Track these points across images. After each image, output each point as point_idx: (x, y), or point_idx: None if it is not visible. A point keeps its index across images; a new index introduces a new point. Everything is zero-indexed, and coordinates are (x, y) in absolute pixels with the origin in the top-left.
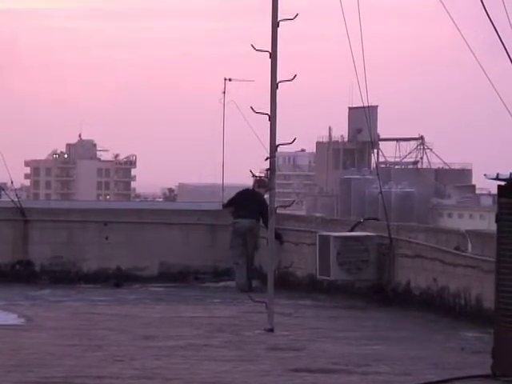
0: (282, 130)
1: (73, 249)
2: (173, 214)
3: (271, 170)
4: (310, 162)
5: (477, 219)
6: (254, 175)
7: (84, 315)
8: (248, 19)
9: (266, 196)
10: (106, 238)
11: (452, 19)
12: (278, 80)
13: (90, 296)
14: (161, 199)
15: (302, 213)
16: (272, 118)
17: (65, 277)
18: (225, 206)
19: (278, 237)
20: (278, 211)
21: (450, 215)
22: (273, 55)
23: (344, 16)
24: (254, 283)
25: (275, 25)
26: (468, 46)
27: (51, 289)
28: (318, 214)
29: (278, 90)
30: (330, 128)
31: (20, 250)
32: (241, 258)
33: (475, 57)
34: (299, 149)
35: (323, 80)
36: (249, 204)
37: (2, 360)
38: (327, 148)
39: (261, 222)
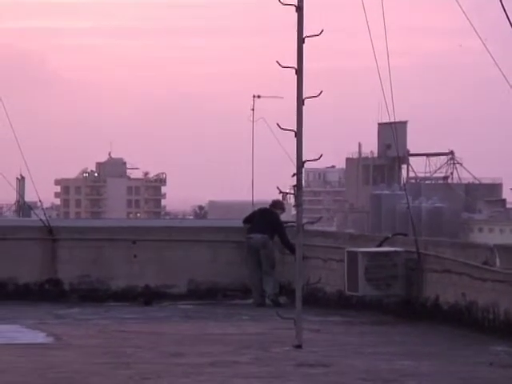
0: (312, 146)
1: (101, 267)
2: (200, 231)
3: (298, 186)
4: (339, 178)
5: (507, 233)
6: (280, 192)
7: (112, 333)
8: (276, 35)
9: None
10: (135, 256)
11: (478, 35)
12: (304, 96)
13: (118, 314)
14: (191, 217)
15: (333, 229)
16: (298, 134)
17: (93, 295)
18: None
19: (292, 251)
20: (305, 228)
21: (480, 230)
22: (299, 71)
23: (369, 30)
24: (282, 299)
25: (301, 41)
26: (494, 60)
27: (80, 307)
28: (347, 230)
29: (307, 107)
30: (359, 144)
31: (48, 268)
32: (256, 274)
33: (501, 72)
34: (329, 165)
35: (353, 95)
36: (263, 221)
37: (31, 379)
38: (357, 164)
39: (275, 238)
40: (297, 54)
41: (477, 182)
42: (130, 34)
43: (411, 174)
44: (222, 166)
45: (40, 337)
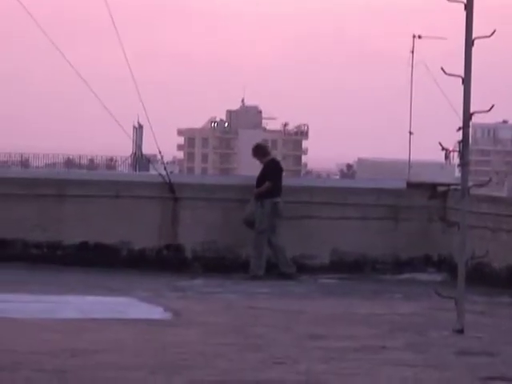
0: (481, 96)
1: (230, 232)
2: (347, 192)
3: (464, 142)
4: None
5: None
6: (443, 148)
7: (241, 309)
8: None
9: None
10: None
11: None
12: (473, 36)
13: (248, 287)
14: (337, 176)
15: (504, 194)
16: (466, 80)
17: (220, 264)
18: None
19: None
20: (471, 192)
21: None
22: (468, 7)
23: None
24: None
25: None
26: None
27: (204, 278)
28: None
29: (475, 49)
30: None
31: (168, 232)
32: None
33: None
34: (501, 120)
35: None
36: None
37: (144, 360)
38: None
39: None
40: None
41: None
42: None
43: None
44: (373, 119)
45: (156, 312)
